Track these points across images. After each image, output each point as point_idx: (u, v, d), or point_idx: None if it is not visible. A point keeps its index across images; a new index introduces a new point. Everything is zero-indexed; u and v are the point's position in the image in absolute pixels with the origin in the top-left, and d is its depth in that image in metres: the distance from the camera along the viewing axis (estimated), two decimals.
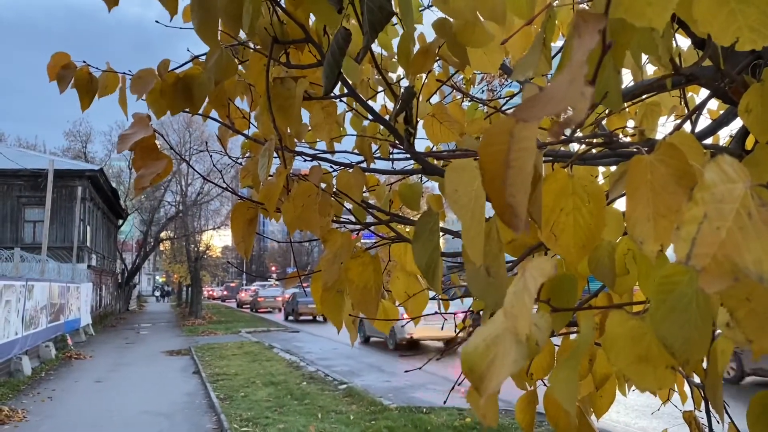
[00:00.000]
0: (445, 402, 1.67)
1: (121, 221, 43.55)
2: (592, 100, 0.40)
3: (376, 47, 2.05)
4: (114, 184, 37.25)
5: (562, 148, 1.68)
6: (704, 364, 0.91)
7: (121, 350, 18.90)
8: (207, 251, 40.07)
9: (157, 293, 67.04)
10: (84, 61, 1.51)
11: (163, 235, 42.90)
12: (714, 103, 1.83)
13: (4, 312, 11.90)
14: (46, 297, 15.82)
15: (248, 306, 46.12)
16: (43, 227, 20.81)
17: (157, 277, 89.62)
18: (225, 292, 69.12)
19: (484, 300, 0.75)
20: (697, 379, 1.73)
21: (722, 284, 0.43)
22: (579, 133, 1.33)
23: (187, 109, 1.47)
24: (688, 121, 1.55)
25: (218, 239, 44.70)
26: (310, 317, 30.44)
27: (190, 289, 39.35)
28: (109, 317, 33.13)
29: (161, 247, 47.87)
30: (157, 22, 1.53)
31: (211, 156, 1.98)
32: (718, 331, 0.66)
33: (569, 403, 0.63)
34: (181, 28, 1.64)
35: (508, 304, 0.54)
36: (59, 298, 17.79)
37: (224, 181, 1.90)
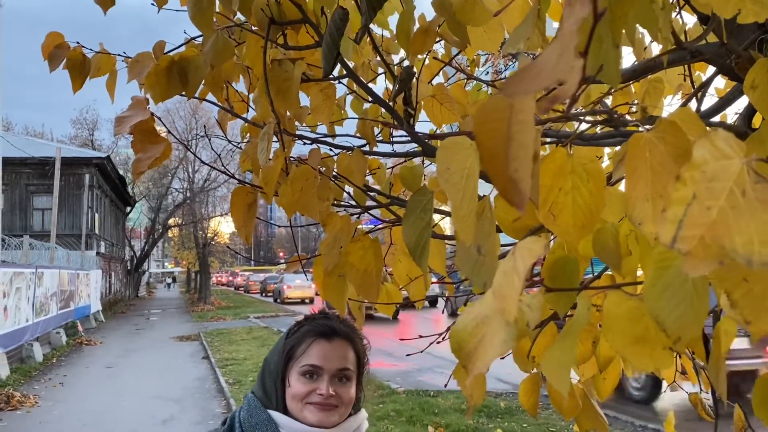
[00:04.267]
0: (446, 385, 1.67)
1: (129, 208, 43.74)
2: (584, 73, 0.39)
3: (376, 29, 2.02)
4: (121, 172, 37.33)
5: (566, 128, 1.66)
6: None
7: (131, 336, 19.07)
8: (215, 237, 40.34)
9: (169, 280, 70.40)
10: (77, 42, 1.50)
11: (171, 221, 43.10)
12: (721, 82, 1.79)
13: (14, 299, 12.01)
14: (56, 284, 15.95)
15: (242, 288, 57.74)
16: (51, 215, 20.93)
17: (166, 263, 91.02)
18: (231, 278, 74.65)
19: (473, 280, 0.74)
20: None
21: (708, 268, 0.41)
22: (579, 112, 1.31)
23: (183, 93, 1.45)
24: (694, 100, 1.52)
25: (226, 225, 45.00)
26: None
27: (198, 275, 39.64)
28: (118, 304, 33.44)
29: (169, 234, 48.25)
30: (152, 4, 1.50)
31: (210, 141, 1.96)
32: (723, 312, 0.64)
33: (561, 384, 0.62)
34: (177, 10, 1.62)
35: (496, 284, 0.53)
36: (69, 285, 17.93)
37: (224, 167, 1.88)
